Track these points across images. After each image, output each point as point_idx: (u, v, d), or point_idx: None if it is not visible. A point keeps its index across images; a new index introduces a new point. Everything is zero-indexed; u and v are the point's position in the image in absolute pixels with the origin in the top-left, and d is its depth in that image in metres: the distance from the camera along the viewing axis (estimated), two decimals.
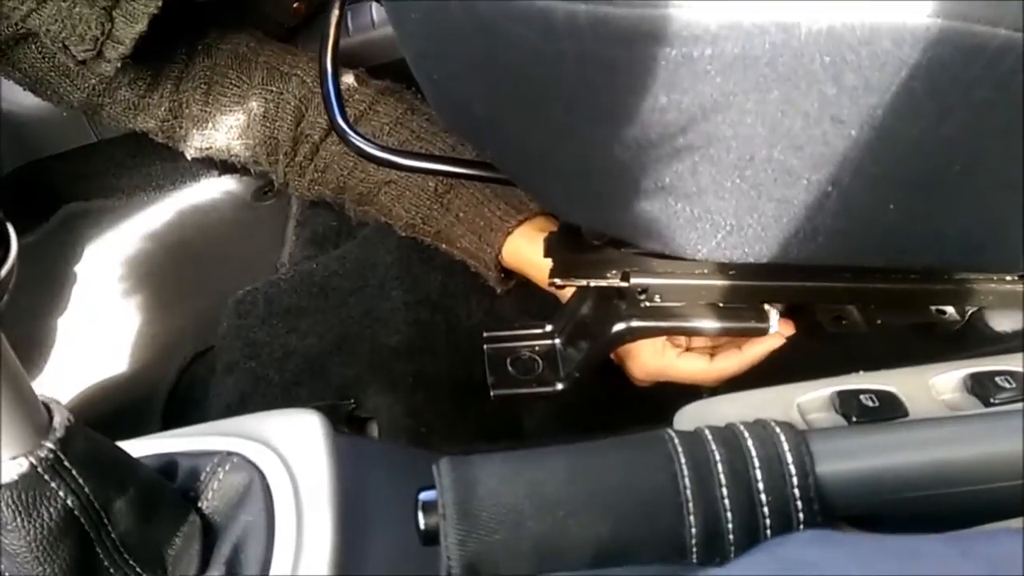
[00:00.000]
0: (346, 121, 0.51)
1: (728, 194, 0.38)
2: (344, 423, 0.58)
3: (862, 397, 0.40)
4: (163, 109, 0.68)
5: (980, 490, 0.33)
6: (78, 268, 0.93)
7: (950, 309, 0.53)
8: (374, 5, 0.90)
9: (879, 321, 0.50)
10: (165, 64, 0.68)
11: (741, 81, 0.32)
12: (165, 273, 0.89)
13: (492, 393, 0.50)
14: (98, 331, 0.85)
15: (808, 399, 0.41)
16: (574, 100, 0.34)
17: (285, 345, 0.63)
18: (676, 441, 0.32)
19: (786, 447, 0.32)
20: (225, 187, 0.95)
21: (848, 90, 0.32)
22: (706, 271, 0.47)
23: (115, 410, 0.76)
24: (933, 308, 0.53)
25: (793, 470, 0.31)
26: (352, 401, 0.58)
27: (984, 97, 0.33)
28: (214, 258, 0.89)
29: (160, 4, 0.55)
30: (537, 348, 0.53)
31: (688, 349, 0.53)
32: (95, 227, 0.94)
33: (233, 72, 0.68)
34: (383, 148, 0.50)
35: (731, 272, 0.47)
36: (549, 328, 0.54)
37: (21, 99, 0.80)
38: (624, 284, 0.46)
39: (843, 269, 0.47)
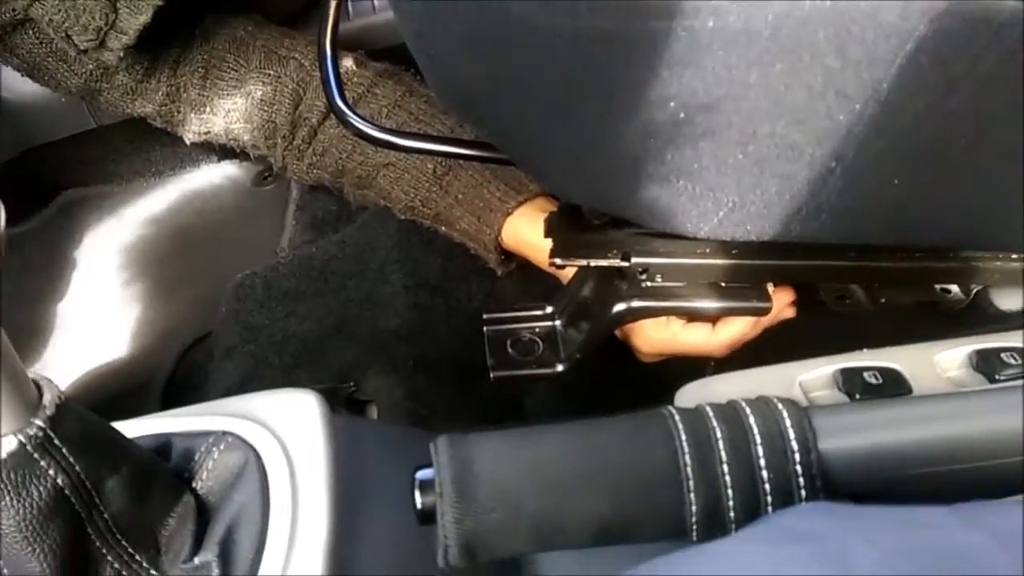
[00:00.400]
0: (345, 102, 0.50)
1: (730, 171, 0.37)
2: (344, 405, 0.57)
3: (865, 374, 0.39)
4: (161, 94, 0.67)
5: (985, 466, 0.32)
6: (77, 254, 0.92)
7: (954, 288, 0.52)
8: None
9: (883, 300, 0.50)
10: (163, 49, 0.67)
11: (744, 54, 0.31)
12: (164, 259, 0.88)
13: (492, 375, 0.49)
14: (97, 317, 0.85)
15: (811, 377, 0.41)
16: (573, 76, 0.33)
17: (284, 329, 0.62)
18: (677, 418, 0.32)
19: (788, 423, 0.32)
20: (225, 172, 0.94)
21: (852, 63, 0.32)
22: (708, 250, 0.46)
23: (113, 396, 0.76)
24: (937, 287, 0.52)
25: (795, 446, 0.31)
26: (352, 384, 0.58)
27: (988, 71, 0.32)
28: (214, 244, 0.89)
29: None
30: (538, 330, 0.53)
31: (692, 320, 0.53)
32: (94, 213, 0.94)
33: (231, 56, 0.68)
34: (382, 129, 0.50)
35: (733, 251, 0.46)
36: (550, 309, 0.53)
37: (20, 86, 0.79)
38: (625, 264, 0.46)
39: (847, 248, 0.47)
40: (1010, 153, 0.37)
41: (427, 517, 0.31)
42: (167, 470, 0.32)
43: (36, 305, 0.87)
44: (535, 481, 0.30)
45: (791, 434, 0.31)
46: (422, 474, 0.32)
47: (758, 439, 0.31)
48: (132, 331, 0.83)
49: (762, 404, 0.33)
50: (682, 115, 0.34)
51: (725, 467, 0.31)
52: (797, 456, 0.31)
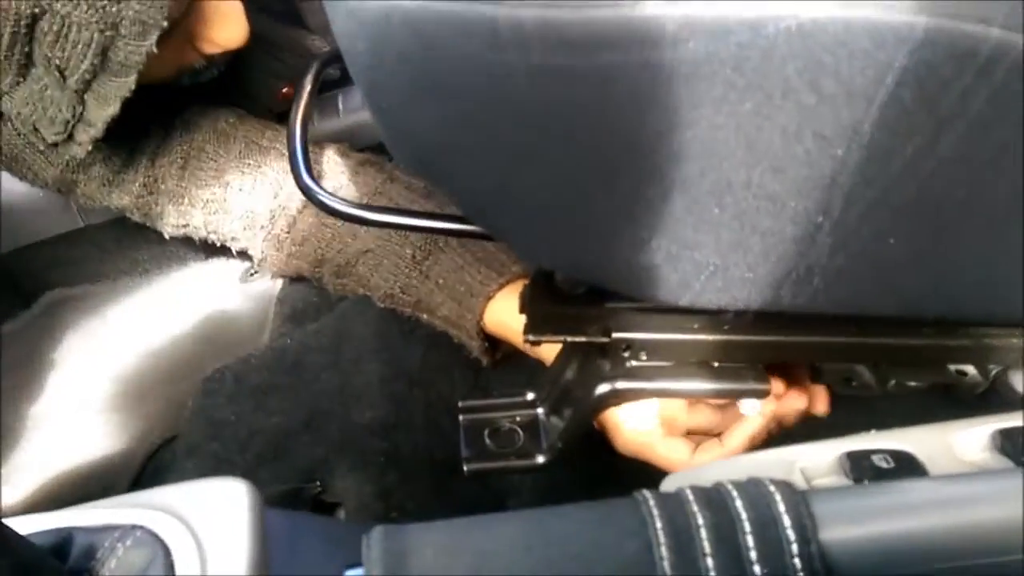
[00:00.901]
0: (311, 177, 0.49)
1: (708, 227, 0.34)
2: (309, 508, 0.52)
3: (875, 458, 0.35)
4: (138, 185, 0.66)
5: (1018, 561, 0.27)
6: (57, 356, 0.90)
7: (971, 369, 0.48)
8: None
9: (893, 382, 0.45)
10: (141, 139, 0.67)
11: (708, 89, 0.29)
12: (145, 359, 0.85)
13: (466, 468, 0.45)
14: (72, 420, 0.81)
15: (813, 462, 0.36)
16: (527, 119, 0.31)
17: (251, 424, 0.58)
18: (651, 503, 0.27)
19: (782, 508, 0.27)
20: (212, 269, 0.92)
21: (828, 100, 0.29)
22: (696, 325, 0.42)
23: (79, 499, 0.71)
24: (952, 368, 0.47)
25: (792, 535, 0.26)
26: (318, 483, 0.53)
27: (980, 110, 0.29)
28: (196, 342, 0.86)
29: (132, 88, 0.53)
30: (519, 419, 0.48)
31: (687, 432, 0.49)
32: (77, 313, 0.92)
33: (211, 146, 0.67)
34: (349, 203, 0.48)
35: (724, 326, 0.42)
36: (531, 396, 0.49)
37: (7, 186, 0.79)
38: (605, 340, 0.42)
39: (848, 322, 0.43)
40: (1012, 212, 0.33)
41: None
42: (57, 569, 0.27)
43: (12, 406, 0.83)
44: None
45: (786, 521, 0.27)
46: (351, 573, 0.27)
47: (747, 527, 0.26)
48: (105, 433, 0.79)
49: (752, 486, 0.28)
50: (648, 161, 0.31)
51: (709, 560, 0.26)
52: (795, 547, 0.26)
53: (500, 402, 0.49)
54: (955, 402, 0.50)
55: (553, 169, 0.32)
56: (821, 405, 0.49)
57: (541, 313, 0.43)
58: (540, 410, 0.48)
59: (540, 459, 0.46)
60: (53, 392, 0.86)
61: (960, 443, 0.36)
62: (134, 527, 0.30)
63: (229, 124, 0.67)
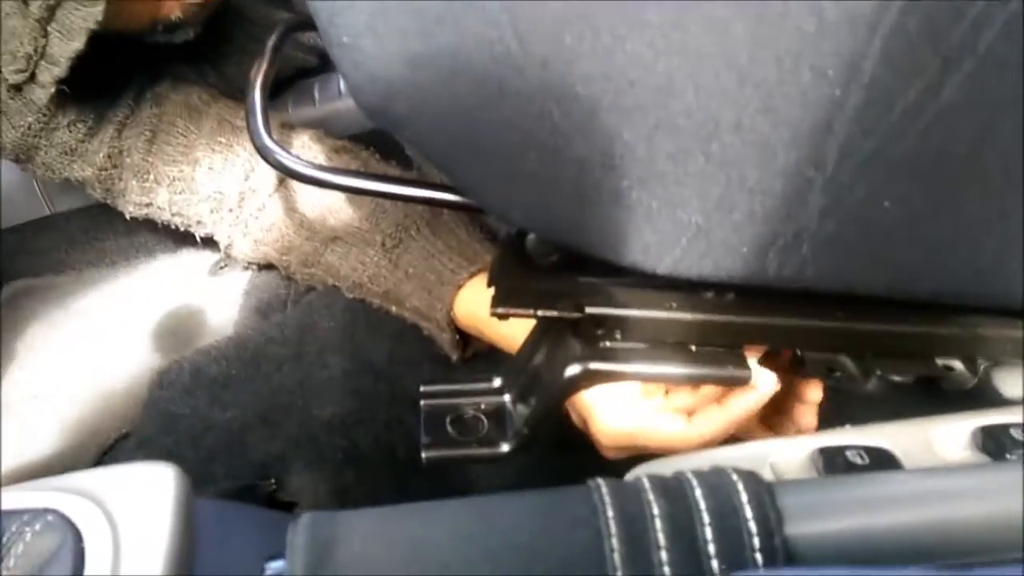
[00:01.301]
0: (269, 136, 0.46)
1: (692, 179, 0.32)
2: (263, 506, 0.50)
3: (849, 454, 0.33)
4: (102, 156, 0.63)
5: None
6: (18, 346, 0.87)
7: (958, 364, 0.46)
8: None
9: (878, 373, 0.43)
10: (109, 108, 0.64)
11: (696, 9, 0.26)
12: (107, 352, 0.83)
13: (424, 455, 0.42)
14: (28, 414, 0.78)
15: (784, 457, 0.34)
16: (497, 43, 0.28)
17: (205, 419, 0.56)
18: (604, 490, 0.25)
19: (744, 498, 0.25)
20: (180, 262, 0.90)
21: (830, 27, 0.27)
22: (674, 304, 0.40)
23: None
24: (939, 363, 0.45)
25: (754, 528, 0.24)
26: (273, 481, 0.51)
27: (991, 44, 0.27)
28: (163, 335, 0.83)
29: (99, 19, 0.50)
30: (483, 406, 0.46)
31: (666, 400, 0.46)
32: (40, 305, 0.89)
33: (181, 121, 0.64)
34: (310, 165, 0.45)
35: (704, 305, 0.40)
36: (498, 382, 0.46)
37: None
38: (578, 315, 0.40)
39: (834, 306, 0.41)
40: (1014, 176, 0.31)
41: None
42: None
43: None
44: (414, 568, 0.23)
45: (748, 512, 0.24)
46: (274, 566, 0.25)
47: (705, 518, 0.24)
48: (61, 428, 0.76)
49: (713, 475, 0.26)
50: (629, 96, 0.28)
51: (663, 553, 0.24)
52: (756, 541, 0.24)
53: (464, 388, 0.46)
54: (938, 400, 0.48)
55: (524, 107, 0.30)
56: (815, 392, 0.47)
57: (510, 285, 0.40)
58: (507, 397, 0.46)
59: (504, 447, 0.43)
60: (10, 386, 0.83)
61: (940, 440, 0.34)
62: (46, 510, 0.27)
63: (202, 100, 0.65)
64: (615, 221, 0.34)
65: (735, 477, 0.26)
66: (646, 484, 0.25)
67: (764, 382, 0.43)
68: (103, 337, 0.85)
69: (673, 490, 0.25)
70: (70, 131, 0.62)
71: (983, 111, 0.28)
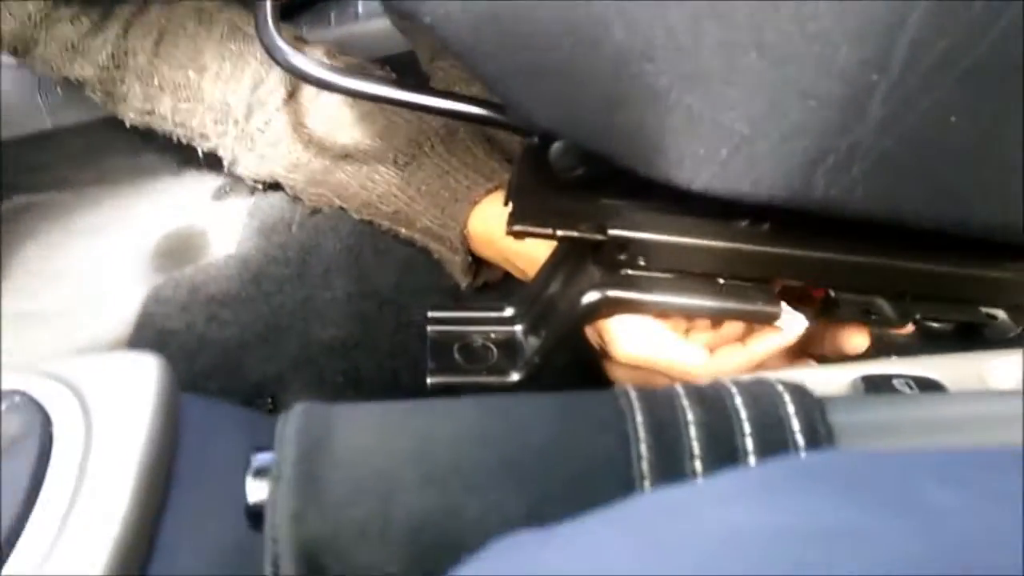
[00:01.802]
0: (279, 33, 0.43)
1: (741, 77, 0.28)
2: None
3: (896, 382, 0.30)
4: (104, 55, 0.60)
5: None
6: (15, 264, 0.84)
7: (1002, 314, 0.43)
8: None
9: (917, 316, 0.40)
10: (116, 4, 0.60)
11: None
12: (106, 274, 0.80)
13: (429, 381, 0.40)
14: (20, 332, 0.76)
15: (824, 385, 0.31)
16: None
17: (202, 335, 0.53)
18: (632, 395, 0.22)
19: (791, 410, 0.22)
20: (184, 185, 0.87)
21: None
22: (704, 230, 0.37)
23: None
24: (983, 311, 0.42)
25: (801, 441, 0.21)
26: (269, 400, 0.48)
27: None
28: (163, 255, 0.81)
29: None
30: (493, 335, 0.43)
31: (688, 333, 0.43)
32: (40, 222, 0.87)
33: (191, 24, 0.61)
34: (319, 65, 0.42)
35: (736, 233, 0.37)
36: (510, 311, 0.44)
37: None
38: (600, 237, 0.37)
39: (875, 241, 0.38)
40: None
41: (260, 516, 0.21)
42: None
43: None
44: (420, 467, 0.21)
45: (795, 424, 0.22)
46: (262, 458, 0.22)
47: (747, 428, 0.22)
48: (54, 349, 0.74)
49: (756, 385, 0.23)
50: None
51: (698, 463, 0.21)
52: (805, 455, 0.21)
53: (474, 316, 0.43)
54: (981, 346, 0.45)
55: None
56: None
57: (529, 202, 0.37)
58: (519, 327, 0.43)
59: (515, 376, 0.41)
60: (8, 299, 0.81)
61: (994, 374, 0.31)
62: (13, 392, 0.25)
63: (214, 6, 0.61)
64: (650, 126, 0.31)
65: (780, 388, 0.23)
66: (680, 391, 0.23)
67: (791, 324, 0.40)
68: (103, 257, 0.82)
69: (711, 398, 0.22)
70: (73, 25, 0.58)
71: None
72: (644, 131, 0.30)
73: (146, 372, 0.27)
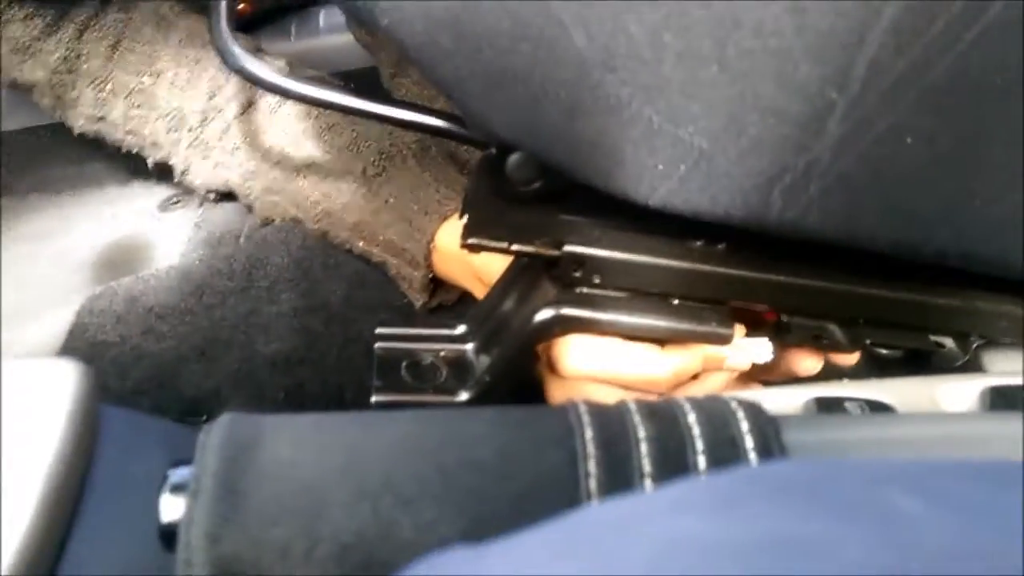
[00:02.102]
0: (232, 36, 0.41)
1: (701, 90, 0.28)
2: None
3: (848, 405, 0.29)
4: (56, 57, 0.58)
5: None
6: None
7: (949, 342, 0.43)
8: (323, 12, 0.83)
9: (867, 341, 0.40)
10: (72, 6, 0.58)
11: None
12: (45, 283, 0.77)
13: (373, 399, 0.38)
14: None
15: (778, 407, 0.30)
16: None
17: (137, 348, 0.51)
18: (582, 410, 0.21)
19: (745, 427, 0.21)
20: (130, 196, 0.84)
21: None
22: (660, 249, 0.37)
23: None
24: (932, 338, 0.43)
25: (755, 459, 0.20)
26: (204, 417, 0.46)
27: None
28: (103, 269, 0.78)
29: None
30: (443, 353, 0.42)
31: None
32: None
33: (149, 29, 0.59)
34: (274, 71, 0.41)
35: (691, 254, 0.37)
36: (461, 329, 0.42)
37: None
38: (556, 252, 0.36)
39: (829, 266, 0.38)
40: None
41: (175, 537, 0.19)
42: None
43: None
44: (350, 482, 0.19)
45: (748, 443, 0.21)
46: (180, 473, 0.20)
47: (700, 445, 0.21)
48: None
49: (710, 402, 0.22)
50: None
51: (648, 481, 0.20)
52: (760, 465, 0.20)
53: (424, 333, 0.42)
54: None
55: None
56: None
57: (485, 214, 0.37)
58: (470, 346, 0.42)
59: (463, 396, 0.40)
60: None
61: (946, 398, 0.31)
62: None
63: (174, 12, 0.60)
64: (610, 137, 0.30)
65: (734, 405, 0.22)
66: (631, 406, 0.22)
67: (759, 351, 0.40)
68: (41, 266, 0.79)
69: (662, 413, 0.21)
70: (25, 25, 0.56)
71: None
72: (603, 143, 0.29)
73: (62, 379, 0.25)
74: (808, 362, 0.41)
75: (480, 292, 0.49)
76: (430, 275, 0.51)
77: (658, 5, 0.26)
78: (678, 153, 0.30)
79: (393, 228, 0.51)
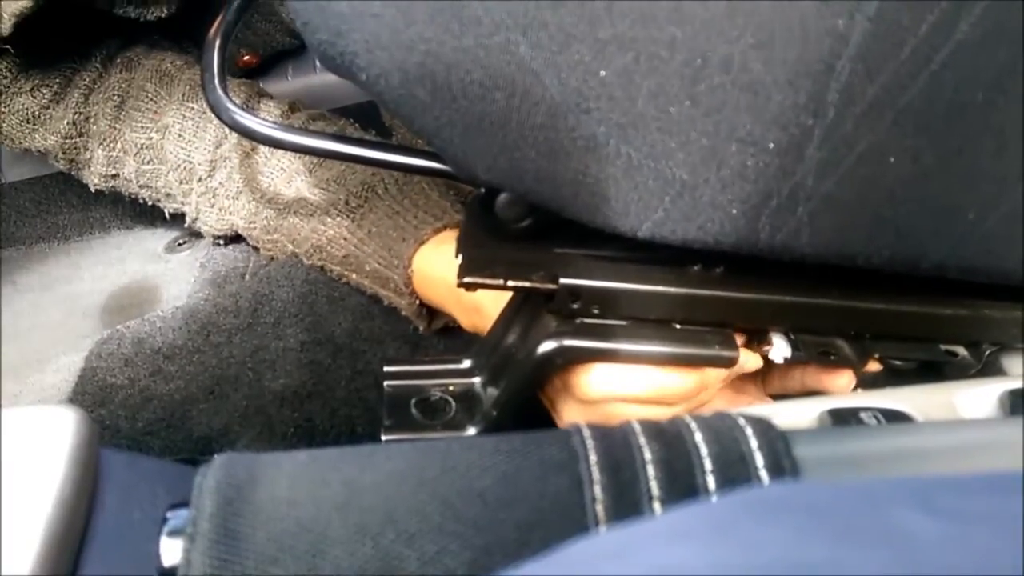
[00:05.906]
0: (224, 91, 0.42)
1: (677, 126, 0.28)
2: None
3: (863, 415, 0.29)
4: (66, 123, 0.59)
5: None
6: None
7: (962, 350, 0.42)
8: None
9: (876, 355, 0.39)
10: (75, 73, 0.59)
11: None
12: (54, 329, 0.77)
13: (384, 437, 0.38)
14: None
15: (791, 420, 0.30)
16: None
17: (146, 390, 0.50)
18: (586, 434, 0.21)
19: (754, 444, 0.21)
20: (136, 239, 0.85)
21: None
22: (657, 277, 0.36)
23: None
24: (942, 348, 0.42)
25: (766, 476, 0.20)
26: (215, 457, 0.46)
27: None
28: (111, 312, 0.78)
29: None
30: (451, 388, 0.41)
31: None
32: None
33: (151, 86, 0.60)
34: (265, 123, 0.41)
35: (690, 280, 0.37)
36: (468, 364, 0.42)
37: None
38: (552, 286, 0.36)
39: (831, 282, 0.37)
40: None
41: None
42: None
43: None
44: (350, 517, 0.19)
45: (758, 460, 0.20)
46: (179, 515, 0.20)
47: (708, 464, 0.20)
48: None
49: (717, 420, 0.22)
50: (607, 27, 0.25)
51: (657, 504, 0.19)
52: (765, 487, 0.20)
53: (432, 368, 0.42)
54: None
55: (486, 39, 0.26)
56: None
57: (478, 253, 0.36)
58: (477, 379, 0.42)
59: (471, 430, 0.39)
60: None
61: (964, 404, 0.30)
62: None
63: (175, 66, 0.60)
64: (592, 176, 0.30)
65: (742, 422, 0.21)
66: (636, 427, 0.21)
67: (775, 352, 0.39)
68: (50, 314, 0.80)
69: (668, 434, 0.21)
70: (33, 96, 0.57)
71: (1001, 52, 0.25)
72: (586, 181, 0.29)
73: (63, 426, 0.25)
74: (842, 379, 0.41)
75: (466, 320, 0.48)
76: (416, 301, 0.51)
77: (626, 49, 0.26)
78: (660, 186, 0.29)
79: (376, 257, 0.51)
